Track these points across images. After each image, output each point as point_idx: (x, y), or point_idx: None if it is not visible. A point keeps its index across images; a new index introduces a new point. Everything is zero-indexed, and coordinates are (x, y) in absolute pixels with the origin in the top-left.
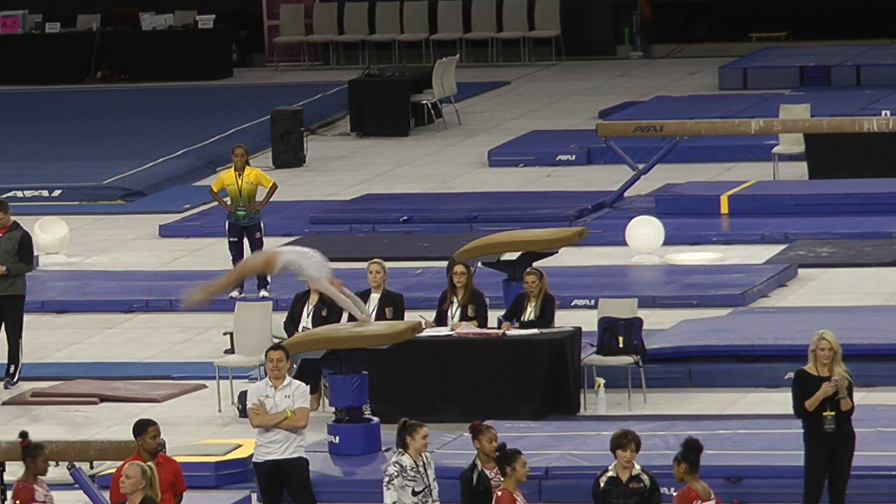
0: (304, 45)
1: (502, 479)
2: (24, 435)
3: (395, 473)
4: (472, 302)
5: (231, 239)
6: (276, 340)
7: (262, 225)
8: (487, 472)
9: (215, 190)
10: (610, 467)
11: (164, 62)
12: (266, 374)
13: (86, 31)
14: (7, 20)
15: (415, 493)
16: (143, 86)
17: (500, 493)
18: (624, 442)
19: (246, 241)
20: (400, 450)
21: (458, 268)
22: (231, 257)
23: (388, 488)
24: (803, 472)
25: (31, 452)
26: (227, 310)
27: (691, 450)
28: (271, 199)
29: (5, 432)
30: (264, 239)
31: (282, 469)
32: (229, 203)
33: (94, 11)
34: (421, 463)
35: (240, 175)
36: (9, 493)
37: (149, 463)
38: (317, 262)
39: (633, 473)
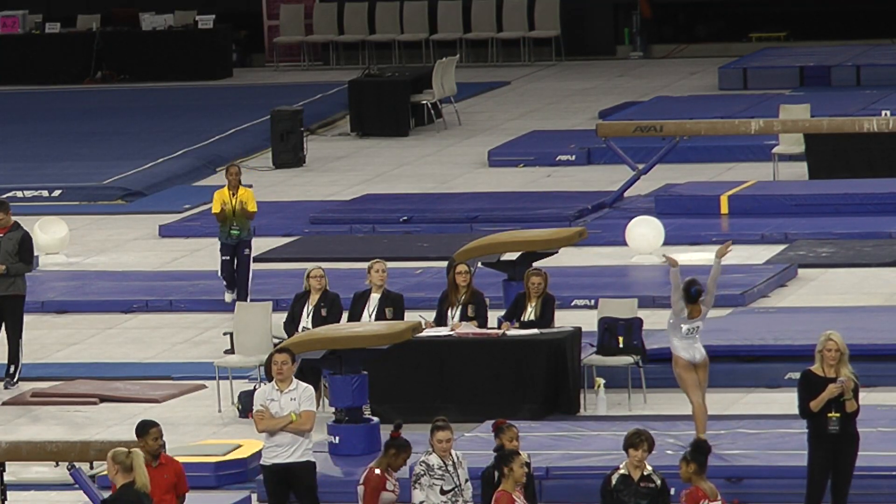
0: (304, 45)
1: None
2: (398, 426)
3: (422, 472)
4: (472, 302)
5: (224, 258)
6: (276, 341)
7: (251, 243)
8: None
9: (216, 211)
10: (621, 465)
11: (164, 62)
12: (265, 376)
13: (86, 31)
14: (7, 20)
15: (443, 492)
16: (143, 86)
17: (498, 495)
18: (637, 441)
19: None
20: (428, 449)
21: (461, 267)
22: (223, 275)
23: (416, 487)
24: (806, 472)
25: (404, 448)
26: (227, 310)
27: (700, 450)
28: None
29: (5, 432)
30: (261, 239)
31: (289, 473)
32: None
33: (94, 11)
34: (450, 462)
35: (234, 194)
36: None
37: (132, 449)
38: None
39: (644, 473)
